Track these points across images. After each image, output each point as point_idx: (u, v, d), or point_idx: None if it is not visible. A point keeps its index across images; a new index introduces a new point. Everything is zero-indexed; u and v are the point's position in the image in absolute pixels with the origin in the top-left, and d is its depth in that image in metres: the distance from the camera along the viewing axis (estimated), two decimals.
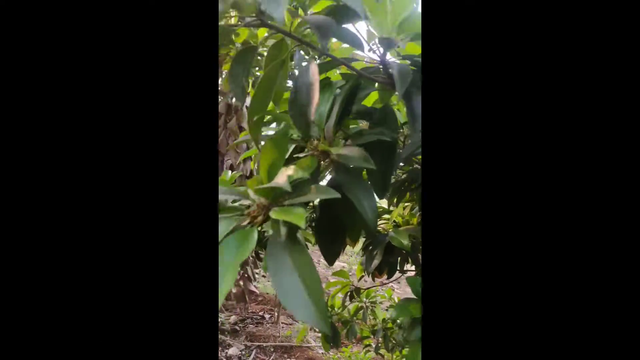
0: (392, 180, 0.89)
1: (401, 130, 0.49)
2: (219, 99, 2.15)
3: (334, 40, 0.52)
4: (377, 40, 0.33)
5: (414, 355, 0.34)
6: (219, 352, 1.70)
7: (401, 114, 0.50)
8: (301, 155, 0.32)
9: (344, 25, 0.34)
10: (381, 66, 0.36)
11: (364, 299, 1.20)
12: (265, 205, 0.25)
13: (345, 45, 0.52)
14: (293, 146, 0.34)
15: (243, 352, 1.74)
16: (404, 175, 0.83)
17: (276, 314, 2.11)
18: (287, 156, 0.27)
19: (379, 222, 0.84)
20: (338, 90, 0.34)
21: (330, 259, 0.33)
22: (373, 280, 0.96)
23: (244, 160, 2.17)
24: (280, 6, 0.26)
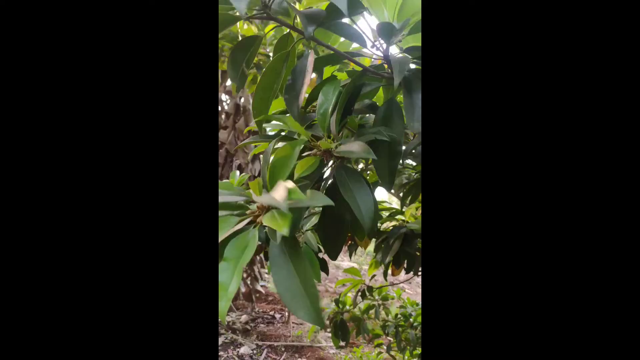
0: (404, 181, 0.88)
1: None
2: (227, 99, 2.16)
3: (341, 39, 0.52)
4: (376, 27, 0.32)
5: None
6: (231, 351, 1.71)
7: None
8: (304, 155, 0.31)
9: (343, 20, 0.33)
10: (385, 62, 0.36)
11: (376, 297, 1.20)
12: (266, 207, 0.24)
13: (355, 45, 0.51)
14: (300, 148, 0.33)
15: (254, 352, 1.75)
16: (417, 175, 0.82)
17: (287, 313, 2.11)
18: (293, 165, 0.27)
19: (393, 223, 0.83)
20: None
21: (333, 254, 0.33)
22: (385, 277, 0.94)
23: (252, 161, 2.18)
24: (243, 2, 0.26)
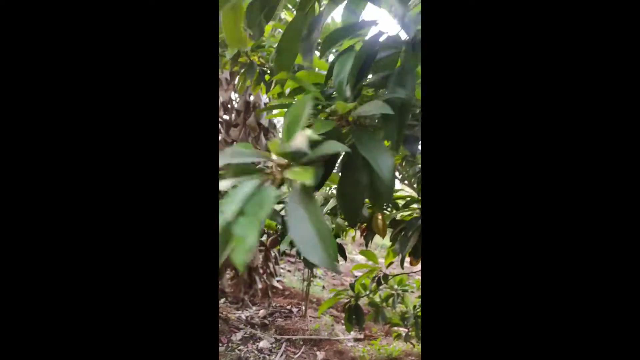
0: (418, 170, 0.86)
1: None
2: (236, 97, 2.18)
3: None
4: None
5: None
6: (250, 345, 1.73)
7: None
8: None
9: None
10: (401, 26, 0.35)
11: (395, 286, 1.19)
12: (285, 165, 0.25)
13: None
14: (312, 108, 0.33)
15: (273, 346, 1.76)
16: None
17: (303, 307, 2.12)
18: (308, 120, 0.27)
19: (409, 212, 0.82)
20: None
21: (352, 219, 0.33)
22: (402, 267, 0.93)
23: None
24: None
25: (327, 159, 0.31)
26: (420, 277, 1.30)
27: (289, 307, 2.25)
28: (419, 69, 0.36)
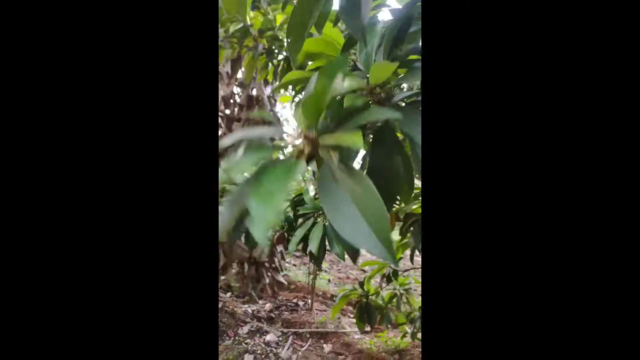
0: None
1: None
2: (240, 91, 2.17)
3: None
4: None
5: None
6: (257, 339, 1.74)
7: None
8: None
9: None
10: None
11: (397, 286, 1.18)
12: (313, 137, 0.22)
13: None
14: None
15: (280, 339, 1.76)
16: None
17: (309, 300, 2.13)
18: (338, 88, 0.23)
19: (418, 205, 0.81)
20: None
21: (387, 202, 0.30)
22: (412, 261, 0.92)
23: None
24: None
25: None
26: None
27: (295, 300, 2.26)
28: None
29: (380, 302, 1.17)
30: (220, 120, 2.08)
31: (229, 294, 2.22)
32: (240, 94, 2.15)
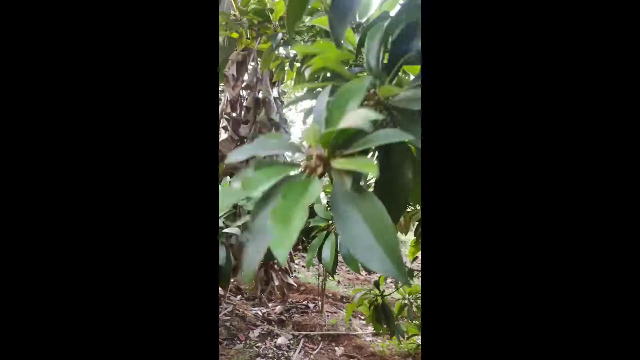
0: None
1: None
2: (246, 93, 2.16)
3: None
4: None
5: None
6: (268, 342, 1.73)
7: None
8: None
9: None
10: None
11: (407, 296, 1.16)
12: (325, 157, 0.21)
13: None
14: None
15: (291, 342, 1.76)
16: None
17: (320, 303, 2.11)
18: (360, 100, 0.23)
19: None
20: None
21: (394, 215, 0.30)
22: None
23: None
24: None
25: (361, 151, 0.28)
26: None
27: (305, 302, 2.25)
28: None
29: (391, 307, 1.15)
30: (226, 123, 2.08)
31: (239, 296, 2.22)
32: (247, 96, 2.15)
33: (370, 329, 1.91)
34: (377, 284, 1.08)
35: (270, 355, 1.62)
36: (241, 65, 2.12)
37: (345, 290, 2.53)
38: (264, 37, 0.92)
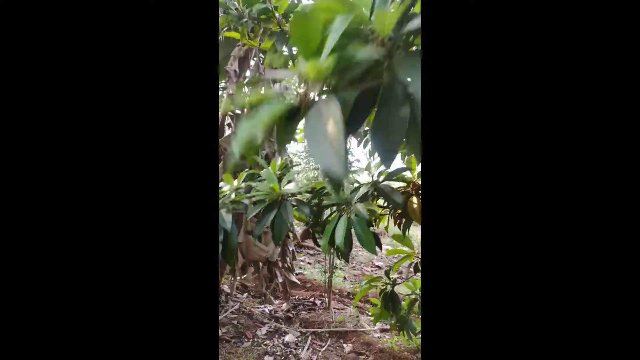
0: None
1: None
2: (248, 91, 2.14)
3: None
4: None
5: None
6: (276, 340, 1.72)
7: None
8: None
9: None
10: None
11: (416, 291, 1.14)
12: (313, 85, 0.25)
13: None
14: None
15: (299, 339, 1.74)
16: None
17: (326, 299, 2.10)
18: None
19: None
20: None
21: (388, 159, 0.28)
22: None
23: (280, 151, 2.15)
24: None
25: (366, 93, 0.28)
26: None
27: (311, 299, 2.24)
28: None
29: (402, 312, 1.13)
30: (230, 119, 2.06)
31: (245, 294, 2.21)
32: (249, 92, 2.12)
33: (379, 325, 1.89)
34: (387, 273, 1.07)
35: (278, 353, 1.61)
36: (243, 62, 2.10)
37: (351, 286, 2.51)
38: (266, 37, 0.90)
